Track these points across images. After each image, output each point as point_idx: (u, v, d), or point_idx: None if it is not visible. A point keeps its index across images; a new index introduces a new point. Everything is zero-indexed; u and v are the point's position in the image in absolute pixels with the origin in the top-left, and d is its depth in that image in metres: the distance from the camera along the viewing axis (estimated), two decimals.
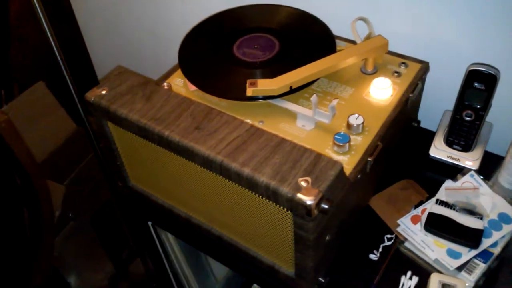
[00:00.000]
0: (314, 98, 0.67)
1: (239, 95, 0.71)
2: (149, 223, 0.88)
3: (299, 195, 0.52)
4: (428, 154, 0.82)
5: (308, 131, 0.69)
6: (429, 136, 0.85)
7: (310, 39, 0.79)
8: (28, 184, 0.88)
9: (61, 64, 1.13)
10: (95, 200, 1.35)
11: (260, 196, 0.57)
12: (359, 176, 0.64)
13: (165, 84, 0.74)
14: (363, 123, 0.67)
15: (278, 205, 0.56)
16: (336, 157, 0.65)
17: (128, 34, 1.33)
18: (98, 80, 1.54)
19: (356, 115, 0.68)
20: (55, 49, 1.09)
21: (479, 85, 0.73)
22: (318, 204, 0.52)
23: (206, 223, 0.72)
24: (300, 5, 0.87)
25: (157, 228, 0.90)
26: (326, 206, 0.53)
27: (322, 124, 0.69)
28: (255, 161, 0.56)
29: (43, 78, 1.38)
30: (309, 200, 0.52)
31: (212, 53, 0.79)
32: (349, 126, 0.68)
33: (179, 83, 0.78)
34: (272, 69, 0.74)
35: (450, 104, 0.85)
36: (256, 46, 0.78)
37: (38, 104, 1.38)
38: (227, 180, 0.59)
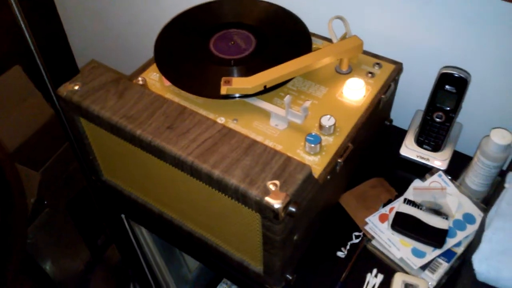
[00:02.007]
0: (287, 98, 0.68)
1: (214, 93, 0.71)
2: (123, 215, 0.89)
3: (267, 199, 0.53)
4: (399, 153, 0.84)
5: (281, 131, 0.70)
6: (401, 134, 0.87)
7: (286, 37, 0.79)
8: None
9: (33, 48, 1.10)
10: (71, 187, 1.35)
11: (230, 198, 0.57)
12: (328, 177, 0.65)
13: (140, 78, 0.74)
14: (334, 124, 0.68)
15: (247, 207, 0.57)
16: (307, 157, 0.66)
17: (108, 20, 1.31)
18: (78, 68, 1.52)
19: (328, 116, 0.69)
20: (26, 33, 1.07)
21: (450, 88, 0.74)
22: (285, 207, 0.53)
23: (178, 219, 0.73)
24: (278, 1, 0.87)
25: (130, 220, 0.91)
26: (293, 209, 0.54)
27: (295, 124, 0.70)
28: (226, 163, 0.57)
29: (20, 63, 1.35)
30: (276, 204, 0.53)
31: (188, 49, 0.79)
32: (321, 127, 0.69)
33: (154, 78, 0.78)
34: (248, 67, 0.74)
35: (422, 104, 0.87)
36: (232, 43, 0.78)
37: (14, 88, 1.36)
38: (198, 180, 0.59)
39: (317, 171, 0.65)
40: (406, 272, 0.70)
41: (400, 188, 0.80)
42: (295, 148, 0.67)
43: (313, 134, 0.66)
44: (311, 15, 0.86)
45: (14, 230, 0.85)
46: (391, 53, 0.83)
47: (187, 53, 0.78)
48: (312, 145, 0.66)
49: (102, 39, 1.38)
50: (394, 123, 0.91)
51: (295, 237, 0.63)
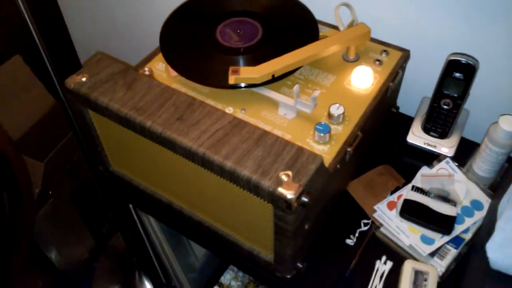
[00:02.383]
0: (296, 88, 0.67)
1: (221, 82, 0.71)
2: (130, 205, 0.89)
3: (280, 189, 0.53)
4: (406, 140, 0.84)
5: (289, 120, 0.69)
6: (407, 121, 0.87)
7: (293, 25, 0.79)
8: (5, 164, 0.87)
9: (36, 38, 1.10)
10: (75, 176, 1.35)
11: (242, 188, 0.57)
12: (338, 166, 0.66)
13: (146, 69, 0.74)
14: (343, 113, 0.68)
15: (259, 197, 0.57)
16: (317, 146, 0.66)
17: (111, 10, 1.30)
18: (78, 58, 1.51)
19: (337, 105, 0.69)
20: (30, 24, 1.06)
21: (458, 74, 0.74)
22: (298, 198, 0.53)
23: (188, 209, 0.73)
24: None
25: (138, 210, 0.91)
26: (306, 200, 0.54)
27: (303, 113, 0.70)
28: (238, 154, 0.57)
29: (20, 52, 1.34)
30: (289, 194, 0.53)
31: (194, 38, 0.78)
32: (330, 116, 0.68)
33: (160, 68, 0.77)
34: (255, 55, 0.74)
35: (429, 90, 0.86)
36: (239, 31, 0.78)
37: (14, 78, 1.34)
38: (209, 171, 0.59)
39: (327, 160, 0.65)
40: (415, 259, 0.70)
41: (408, 175, 0.80)
42: (305, 138, 0.67)
43: (322, 123, 0.66)
44: (317, 2, 0.85)
45: (22, 220, 0.85)
46: (397, 39, 0.82)
47: (193, 43, 0.77)
48: (322, 134, 0.66)
49: (104, 29, 1.37)
50: (400, 110, 0.90)
51: (306, 226, 0.63)
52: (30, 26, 1.00)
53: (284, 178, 0.54)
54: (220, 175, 0.58)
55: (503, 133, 0.72)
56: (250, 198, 0.59)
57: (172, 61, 0.75)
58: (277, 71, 0.70)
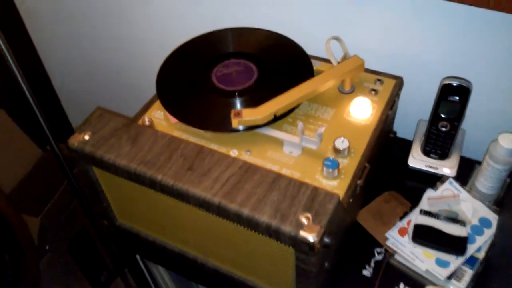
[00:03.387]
0: (300, 125, 0.68)
1: (223, 126, 0.71)
2: (137, 256, 0.87)
3: (302, 233, 0.53)
4: (407, 164, 0.85)
5: (296, 157, 0.70)
6: (405, 145, 0.88)
7: (287, 63, 0.80)
8: (6, 227, 0.84)
9: (24, 88, 1.08)
10: (72, 227, 1.32)
11: (261, 234, 0.57)
12: (351, 200, 0.66)
13: (146, 119, 0.73)
14: (349, 146, 0.69)
15: (279, 242, 0.56)
16: (327, 182, 0.67)
17: (102, 62, 1.30)
18: (62, 105, 1.49)
19: (342, 138, 0.69)
20: (17, 73, 1.05)
21: (453, 97, 0.75)
22: (320, 240, 0.53)
23: (202, 257, 0.72)
24: (272, 25, 0.87)
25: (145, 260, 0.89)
26: (328, 240, 0.54)
27: (309, 149, 0.70)
28: (253, 200, 0.56)
29: (3, 106, 1.32)
30: (311, 237, 0.53)
31: (190, 83, 0.78)
32: (335, 150, 0.69)
33: (159, 116, 0.77)
34: (253, 97, 0.74)
35: (423, 113, 0.88)
36: (234, 73, 0.78)
37: (0, 133, 1.33)
38: (226, 220, 0.59)
39: (339, 196, 0.65)
40: (434, 284, 0.70)
41: (413, 199, 0.81)
42: (313, 174, 0.67)
43: (331, 158, 0.67)
44: (307, 37, 0.87)
45: (26, 282, 0.83)
46: (388, 67, 0.84)
47: (191, 88, 0.78)
48: (330, 170, 0.66)
49: (95, 81, 1.36)
50: (397, 134, 0.92)
51: (326, 265, 0.63)
52: (19, 79, 0.99)
53: (304, 220, 0.54)
54: (237, 223, 0.58)
55: (503, 150, 0.73)
56: (269, 243, 0.58)
57: (170, 108, 0.75)
58: (279, 110, 0.71)
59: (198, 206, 0.59)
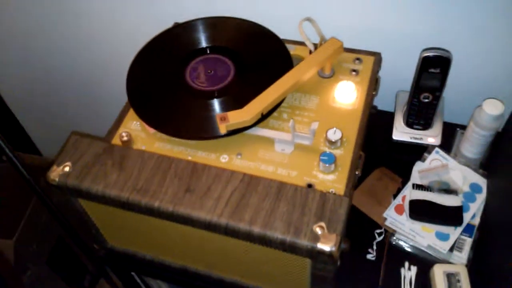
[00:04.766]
0: (291, 123, 0.65)
1: (209, 133, 0.67)
2: (133, 273, 0.83)
3: (319, 245, 0.51)
4: (391, 138, 0.85)
5: (289, 155, 0.67)
6: (385, 117, 0.87)
7: (263, 54, 0.75)
8: None
9: None
10: (48, 240, 1.25)
11: (275, 249, 0.55)
12: (352, 191, 0.64)
13: (123, 134, 0.68)
14: (341, 137, 0.67)
15: (294, 254, 0.55)
16: (325, 177, 0.65)
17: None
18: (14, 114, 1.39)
19: (334, 129, 0.67)
20: None
21: (434, 69, 0.74)
22: (338, 248, 0.52)
23: (206, 270, 0.69)
24: (239, 11, 0.82)
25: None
26: (345, 246, 0.53)
27: (301, 144, 0.68)
28: (262, 215, 0.54)
29: None
30: (329, 248, 0.51)
31: (164, 86, 0.73)
32: (328, 141, 0.67)
33: (136, 127, 0.72)
34: (234, 95, 0.71)
35: (401, 84, 0.87)
36: (209, 71, 0.74)
37: None
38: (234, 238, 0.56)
39: (340, 190, 0.63)
40: (437, 259, 0.71)
41: (402, 172, 0.81)
42: (310, 170, 0.65)
43: (327, 152, 0.65)
44: (277, 20, 0.82)
45: None
46: (363, 43, 0.82)
47: (166, 92, 0.72)
48: (327, 165, 0.64)
49: (48, 85, 1.26)
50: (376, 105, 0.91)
51: (338, 263, 0.62)
52: None
53: (319, 231, 0.52)
54: (248, 241, 0.55)
55: (488, 116, 0.74)
56: (282, 255, 0.56)
57: (147, 118, 0.70)
58: (266, 108, 0.67)
59: (203, 229, 0.56)
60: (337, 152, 0.67)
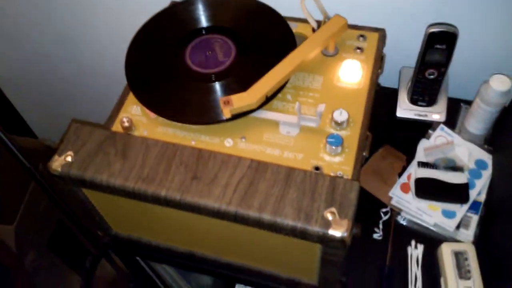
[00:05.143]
0: (297, 105, 0.64)
1: (212, 117, 0.65)
2: (138, 258, 0.83)
3: (331, 231, 0.51)
4: (394, 115, 0.83)
5: (294, 137, 0.66)
6: (387, 93, 0.86)
7: (266, 34, 0.73)
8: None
9: None
10: (47, 224, 1.25)
11: (285, 235, 0.54)
12: (360, 172, 0.64)
13: (124, 119, 0.67)
14: (348, 117, 0.65)
15: (305, 240, 0.54)
16: (333, 159, 0.64)
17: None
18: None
19: (340, 110, 0.66)
20: None
21: (440, 45, 0.73)
22: (350, 233, 0.51)
23: (213, 254, 0.69)
24: None
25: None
26: (356, 231, 0.52)
27: (306, 126, 0.66)
28: (272, 202, 0.53)
29: None
30: (341, 233, 0.51)
31: (165, 69, 0.71)
32: (335, 123, 0.65)
33: (136, 112, 0.70)
34: (237, 77, 0.69)
35: (405, 60, 0.86)
36: (209, 53, 0.71)
37: None
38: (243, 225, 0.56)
39: (348, 172, 0.62)
40: (443, 237, 0.71)
41: (407, 150, 0.80)
42: (317, 153, 0.64)
43: (334, 134, 0.64)
44: None
45: None
46: (367, 19, 0.79)
47: (167, 76, 0.70)
48: (334, 147, 0.63)
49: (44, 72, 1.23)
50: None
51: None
52: None
53: (330, 216, 0.52)
54: (258, 228, 0.54)
55: (495, 92, 0.72)
56: (292, 241, 0.56)
57: (148, 102, 0.68)
58: (270, 90, 0.66)
59: (211, 216, 0.55)
60: (343, 133, 0.66)
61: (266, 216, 0.52)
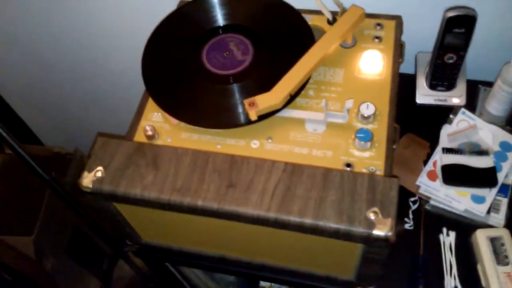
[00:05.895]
0: (324, 102, 0.63)
1: (237, 120, 0.64)
2: (167, 264, 0.83)
3: (375, 232, 0.50)
4: (414, 101, 0.83)
5: (321, 134, 0.65)
6: (405, 80, 0.84)
7: (283, 30, 0.71)
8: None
9: None
10: (64, 231, 1.24)
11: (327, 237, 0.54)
12: (392, 165, 0.63)
13: (147, 128, 0.65)
14: (375, 111, 0.64)
15: (348, 241, 0.53)
16: (363, 154, 0.63)
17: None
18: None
19: (366, 103, 0.65)
20: None
21: (458, 29, 0.72)
22: (394, 232, 0.51)
23: (247, 258, 0.68)
24: None
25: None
26: (400, 229, 0.52)
27: (332, 122, 0.65)
28: (311, 206, 0.52)
29: None
30: (385, 233, 0.50)
31: (184, 74, 0.69)
32: (363, 117, 0.65)
33: (157, 119, 0.69)
34: (258, 78, 0.67)
35: (421, 45, 0.84)
36: (227, 53, 0.70)
37: None
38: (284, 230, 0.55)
39: (380, 166, 0.62)
40: (474, 223, 0.71)
41: (428, 136, 0.80)
42: (346, 149, 0.63)
43: (363, 129, 0.63)
44: None
45: None
46: (380, 6, 0.78)
47: (186, 80, 0.69)
48: (363, 142, 0.62)
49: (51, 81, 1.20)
50: None
51: None
52: None
53: (373, 216, 0.51)
54: (299, 232, 0.54)
55: None
56: (333, 241, 0.55)
57: (170, 109, 0.67)
58: (294, 89, 0.64)
59: (250, 223, 0.55)
60: (370, 126, 0.65)
61: (308, 221, 0.52)
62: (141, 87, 0.70)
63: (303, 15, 0.75)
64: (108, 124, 1.35)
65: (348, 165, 0.61)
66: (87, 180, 0.57)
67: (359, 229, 0.50)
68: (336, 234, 0.51)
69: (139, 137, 0.66)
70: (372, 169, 0.61)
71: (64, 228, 1.22)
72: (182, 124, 0.67)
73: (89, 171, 0.57)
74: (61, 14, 1.02)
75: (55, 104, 1.33)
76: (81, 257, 1.32)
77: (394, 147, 0.64)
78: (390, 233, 0.50)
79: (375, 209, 0.51)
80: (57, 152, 1.24)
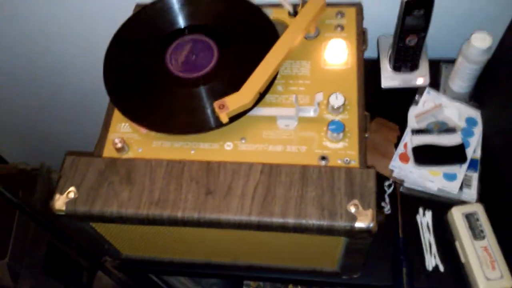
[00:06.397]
0: (294, 97, 0.62)
1: (208, 124, 0.63)
2: (151, 275, 0.81)
3: (358, 224, 0.51)
4: (379, 86, 0.83)
5: (294, 130, 0.65)
6: (368, 64, 0.85)
7: (246, 28, 0.70)
8: None
9: None
10: (38, 249, 1.20)
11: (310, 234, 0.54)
12: (366, 154, 0.63)
13: (116, 141, 0.63)
14: (345, 101, 0.65)
15: (331, 235, 0.54)
16: (337, 146, 0.63)
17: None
18: None
19: (335, 95, 0.65)
20: None
21: (418, 11, 0.72)
22: (376, 222, 0.51)
23: (232, 261, 0.68)
24: None
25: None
26: (381, 218, 0.52)
27: (303, 117, 0.65)
28: (292, 205, 0.52)
29: None
30: (368, 224, 0.51)
31: (149, 81, 0.67)
32: (333, 108, 0.65)
33: (125, 129, 0.67)
34: (225, 78, 0.66)
35: (380, 29, 0.85)
36: (192, 55, 0.68)
37: None
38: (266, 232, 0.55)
39: (354, 156, 0.62)
40: (449, 199, 0.73)
41: (397, 119, 0.81)
42: (321, 142, 0.63)
43: (335, 121, 0.63)
44: None
45: None
46: None
47: (152, 87, 0.67)
48: (335, 134, 0.62)
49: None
50: None
51: None
52: None
53: (353, 209, 0.51)
54: (283, 232, 0.54)
55: (476, 50, 0.73)
56: (315, 237, 0.55)
57: (138, 119, 0.65)
58: (262, 86, 0.64)
59: (233, 229, 0.54)
60: (341, 117, 0.65)
61: (291, 220, 0.51)
62: (106, 97, 0.68)
63: (264, 9, 0.74)
64: (73, 134, 1.31)
65: (323, 158, 0.61)
66: (60, 202, 0.55)
67: (341, 223, 0.51)
68: (319, 230, 0.52)
69: (109, 150, 0.64)
70: (347, 160, 0.61)
71: (38, 246, 1.18)
72: (152, 133, 0.66)
73: (61, 193, 0.55)
74: (16, 23, 0.97)
75: (15, 117, 1.28)
76: (59, 273, 1.29)
77: (366, 135, 0.64)
78: (372, 224, 0.50)
79: (355, 201, 0.51)
80: (22, 169, 1.19)
